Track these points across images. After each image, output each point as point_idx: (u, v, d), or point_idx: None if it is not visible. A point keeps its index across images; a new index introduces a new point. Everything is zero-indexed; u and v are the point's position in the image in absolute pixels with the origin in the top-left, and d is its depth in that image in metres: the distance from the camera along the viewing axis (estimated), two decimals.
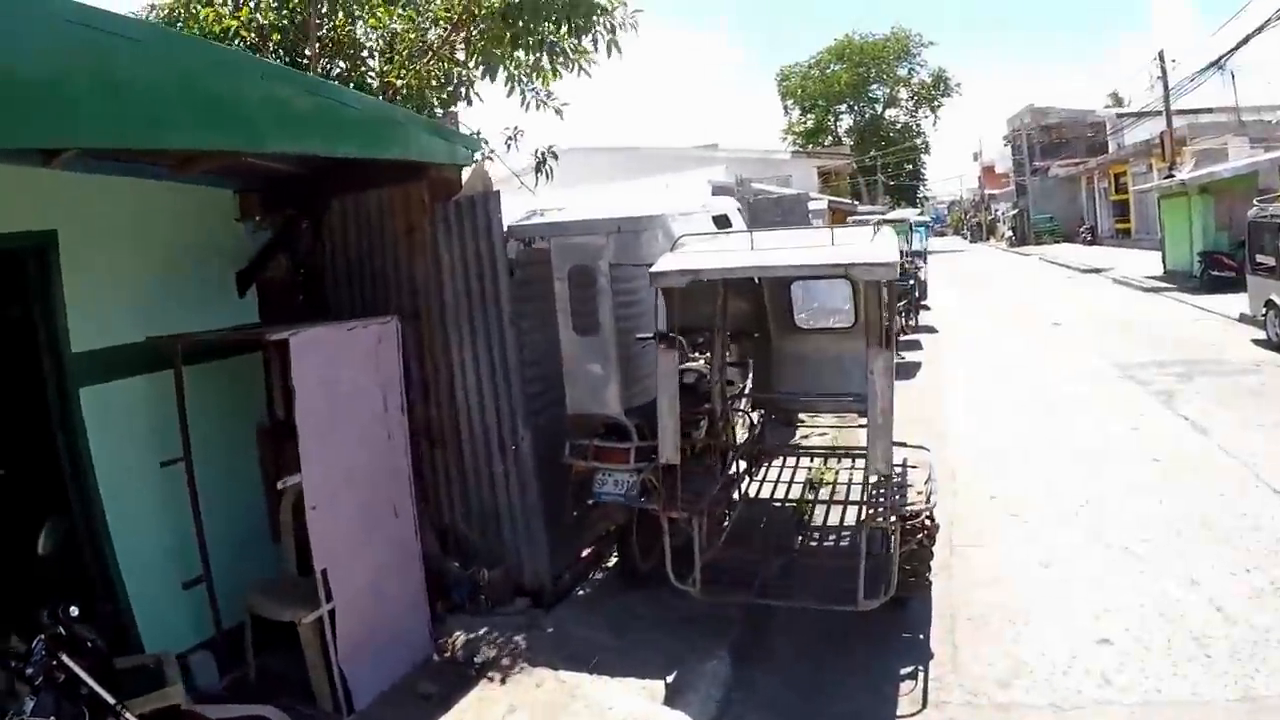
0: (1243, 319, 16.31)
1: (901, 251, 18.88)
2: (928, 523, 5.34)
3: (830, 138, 70.93)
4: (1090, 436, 9.69)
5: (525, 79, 8.07)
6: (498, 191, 6.31)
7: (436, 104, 7.53)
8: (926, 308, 22.95)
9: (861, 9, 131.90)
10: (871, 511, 5.09)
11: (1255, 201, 15.50)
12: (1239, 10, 42.32)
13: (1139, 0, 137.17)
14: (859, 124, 75.39)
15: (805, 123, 75.17)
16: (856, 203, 47.66)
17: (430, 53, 7.72)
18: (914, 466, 6.07)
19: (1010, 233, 59.47)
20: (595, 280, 5.73)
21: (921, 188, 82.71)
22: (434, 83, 7.51)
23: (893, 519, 4.89)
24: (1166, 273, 26.26)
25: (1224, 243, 22.91)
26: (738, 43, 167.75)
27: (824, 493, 7.45)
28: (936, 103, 75.25)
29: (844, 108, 76.41)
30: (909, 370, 14.65)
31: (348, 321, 5.61)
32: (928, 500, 5.40)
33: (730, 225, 7.09)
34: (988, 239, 69.10)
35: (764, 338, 7.37)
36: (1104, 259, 34.26)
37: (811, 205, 22.49)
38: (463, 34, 7.69)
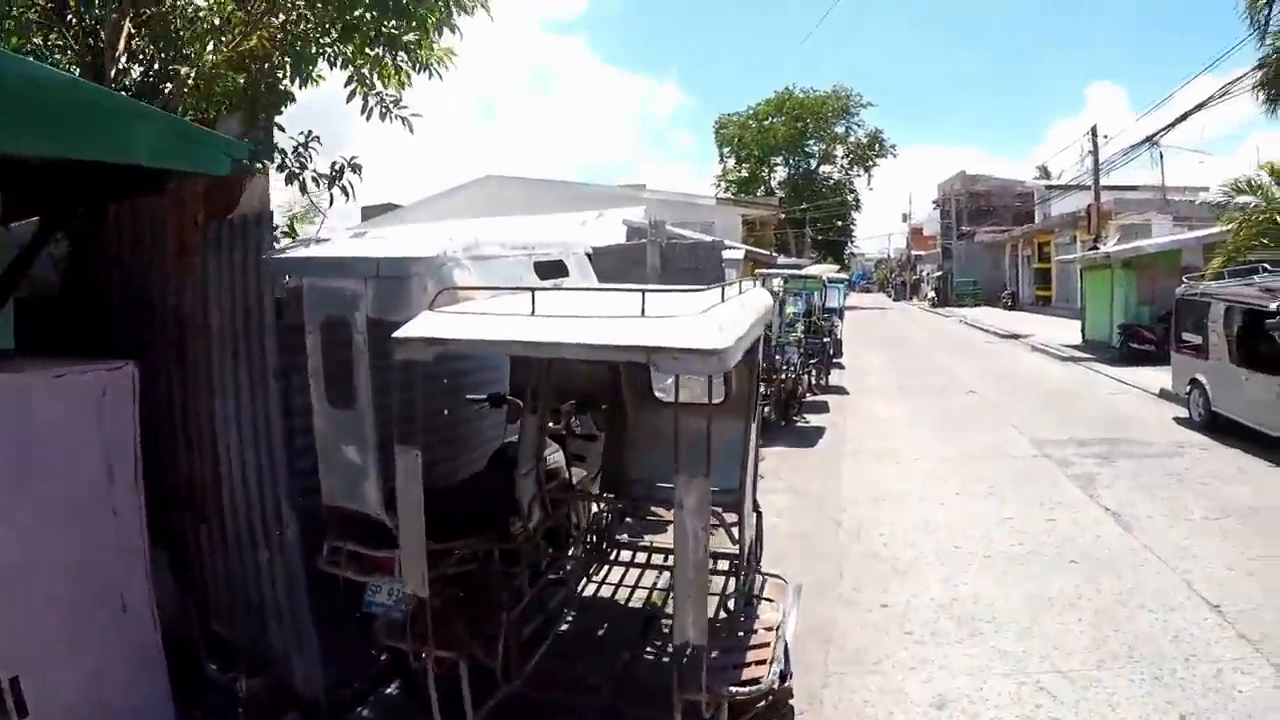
0: (1163, 395, 15.69)
1: (815, 308, 18.17)
2: (774, 689, 3.93)
3: (763, 189, 70.82)
4: (1002, 530, 8.42)
5: (368, 79, 6.74)
6: (271, 212, 5.00)
7: (217, 103, 6.00)
8: (840, 366, 22.11)
9: (805, 65, 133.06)
10: (681, 686, 3.46)
11: (1184, 278, 14.80)
12: (1167, 96, 43.78)
13: (1074, 89, 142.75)
14: (793, 177, 75.68)
15: (740, 171, 75.14)
16: (778, 254, 47.15)
17: (228, 39, 6.25)
18: (769, 600, 4.69)
19: (933, 293, 59.96)
20: (350, 337, 4.32)
21: (850, 244, 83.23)
22: (226, 79, 5.98)
23: (711, 697, 3.49)
24: (1085, 342, 25.94)
25: (1144, 316, 22.80)
26: (685, 90, 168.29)
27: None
28: (871, 163, 76.04)
29: (779, 160, 76.64)
30: (811, 436, 13.54)
31: (58, 365, 4.37)
32: (773, 662, 3.95)
33: (565, 274, 5.68)
34: (911, 298, 69.49)
35: (617, 407, 6.02)
36: (1023, 325, 33.97)
37: (727, 254, 21.35)
38: (273, 21, 6.24)
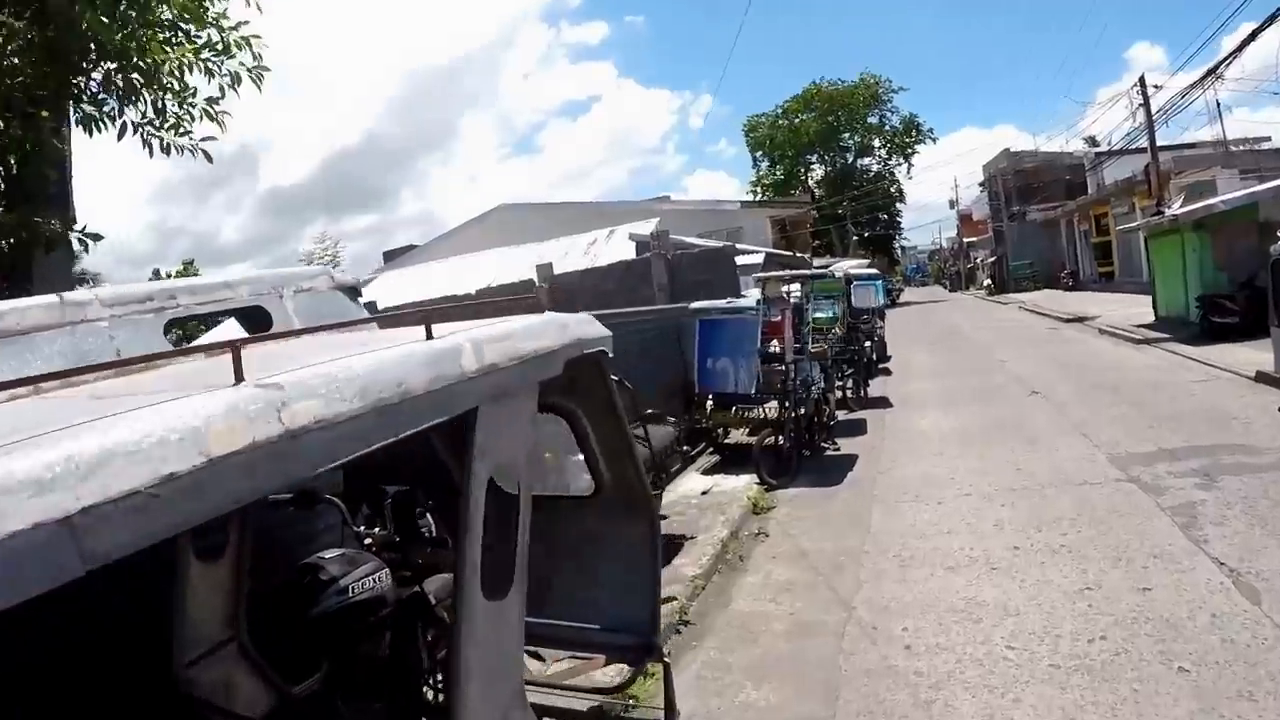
0: (1261, 379, 13.08)
1: (845, 311, 15.68)
2: None
3: (801, 188, 68.59)
4: (1077, 612, 5.90)
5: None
6: None
7: None
8: (886, 371, 19.82)
9: (835, 57, 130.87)
10: None
11: (1279, 234, 12.09)
12: (1210, 37, 41.15)
13: (1114, 56, 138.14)
14: (830, 174, 73.42)
15: (775, 173, 73.08)
16: (823, 255, 44.84)
17: None
18: None
19: (989, 280, 57.31)
20: None
21: (898, 238, 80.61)
22: None
23: None
24: (1159, 319, 23.26)
25: (1223, 284, 19.83)
26: (721, 98, 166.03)
27: None
28: (910, 150, 73.56)
29: (814, 157, 74.45)
30: (838, 470, 11.10)
31: None
32: None
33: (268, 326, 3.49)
34: (967, 288, 66.78)
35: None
36: (1088, 305, 31.24)
37: (743, 260, 19.26)
38: None
